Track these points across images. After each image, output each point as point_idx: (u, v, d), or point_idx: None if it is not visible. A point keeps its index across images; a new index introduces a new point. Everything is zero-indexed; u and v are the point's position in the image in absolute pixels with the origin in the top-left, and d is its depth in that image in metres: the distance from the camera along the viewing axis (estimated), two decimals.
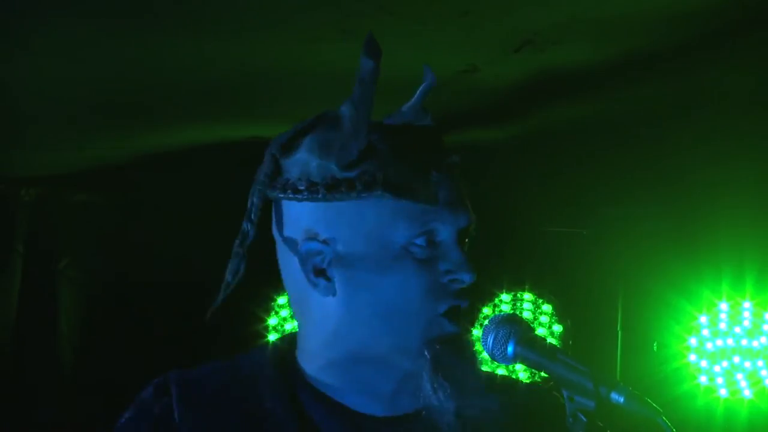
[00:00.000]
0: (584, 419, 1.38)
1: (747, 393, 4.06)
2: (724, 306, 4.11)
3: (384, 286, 1.51)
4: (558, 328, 4.44)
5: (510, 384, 1.71)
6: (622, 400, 1.36)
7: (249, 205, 1.58)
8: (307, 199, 1.53)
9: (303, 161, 1.54)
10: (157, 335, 4.57)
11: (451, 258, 1.53)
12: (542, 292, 4.49)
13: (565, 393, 1.41)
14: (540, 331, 4.36)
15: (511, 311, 4.45)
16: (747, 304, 4.08)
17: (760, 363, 4.04)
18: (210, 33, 2.79)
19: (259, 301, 4.44)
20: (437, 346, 1.51)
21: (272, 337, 4.39)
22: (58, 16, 2.65)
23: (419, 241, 1.51)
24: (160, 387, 1.58)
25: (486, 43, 2.83)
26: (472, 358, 1.55)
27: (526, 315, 4.44)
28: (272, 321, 4.45)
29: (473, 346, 1.56)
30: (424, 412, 1.54)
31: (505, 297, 4.54)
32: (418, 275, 1.51)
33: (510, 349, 1.48)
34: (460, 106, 3.48)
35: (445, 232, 1.54)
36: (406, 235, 1.51)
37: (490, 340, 1.49)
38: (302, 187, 1.53)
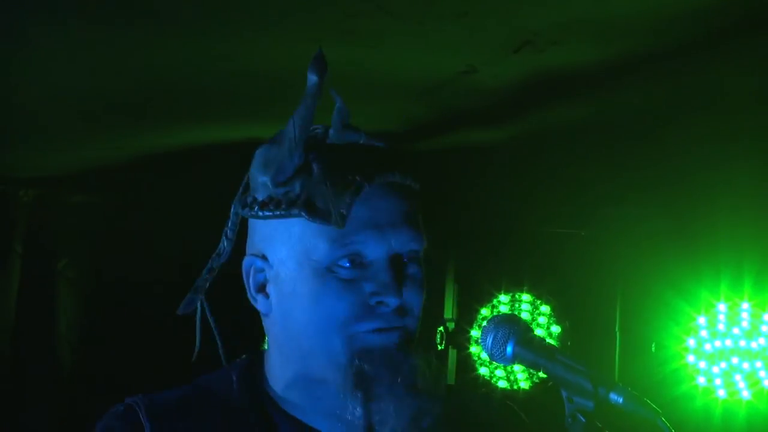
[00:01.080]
0: (583, 420, 1.38)
1: (745, 394, 4.06)
2: (722, 307, 4.11)
3: (309, 305, 1.52)
4: (556, 329, 4.44)
5: (463, 398, 1.69)
6: (620, 400, 1.37)
7: (228, 222, 1.61)
8: (252, 216, 1.56)
9: (253, 176, 1.56)
10: (157, 335, 4.57)
11: (378, 279, 1.51)
12: (541, 293, 4.49)
13: (564, 393, 1.41)
14: (538, 332, 4.37)
15: (510, 312, 4.46)
16: (745, 305, 4.08)
17: (758, 364, 4.04)
18: (210, 33, 2.79)
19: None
20: (358, 360, 1.50)
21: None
22: (59, 17, 2.65)
23: (343, 262, 1.51)
24: (129, 416, 1.56)
25: (485, 43, 2.83)
26: (401, 372, 1.52)
27: (525, 316, 4.44)
28: None
29: (411, 363, 1.52)
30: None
31: (504, 298, 4.54)
32: (340, 296, 1.51)
33: (509, 349, 1.48)
34: (460, 106, 3.49)
35: (374, 254, 1.52)
36: (329, 256, 1.51)
37: (489, 340, 1.49)
38: (248, 202, 1.56)
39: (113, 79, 3.25)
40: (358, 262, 1.51)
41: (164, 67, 3.09)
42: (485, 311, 4.53)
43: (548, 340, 4.35)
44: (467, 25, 2.68)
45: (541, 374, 1.48)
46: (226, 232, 1.60)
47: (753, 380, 4.06)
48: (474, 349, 4.52)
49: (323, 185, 1.50)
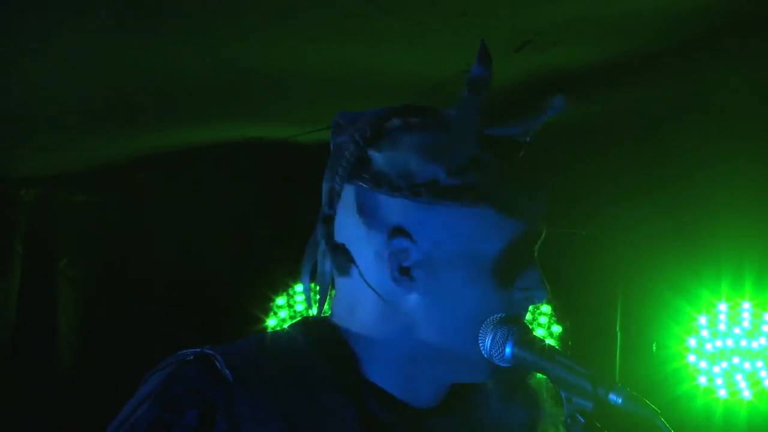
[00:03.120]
0: (582, 420, 1.38)
1: (746, 394, 4.05)
2: (723, 307, 4.11)
3: (467, 297, 1.50)
4: (557, 329, 4.44)
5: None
6: (620, 401, 1.36)
7: (328, 190, 1.54)
8: (404, 197, 1.50)
9: (402, 159, 1.50)
10: (157, 335, 4.57)
11: (529, 275, 1.53)
12: None
13: (563, 394, 1.41)
14: (539, 332, 4.36)
15: None
16: (746, 305, 4.08)
17: (759, 364, 4.04)
18: (210, 33, 2.79)
19: (259, 301, 4.44)
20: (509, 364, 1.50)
21: None
22: (60, 18, 2.65)
23: (507, 255, 1.51)
24: (206, 364, 1.45)
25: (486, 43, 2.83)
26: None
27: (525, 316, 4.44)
28: (271, 322, 4.45)
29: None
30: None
31: None
32: (500, 290, 1.50)
33: (508, 350, 1.47)
34: None
35: (529, 246, 1.53)
36: (497, 249, 1.50)
37: (488, 341, 1.49)
38: (402, 185, 1.49)
39: (113, 79, 3.25)
40: (516, 253, 1.51)
41: (165, 67, 3.09)
42: None
43: (549, 340, 4.35)
44: (467, 25, 2.68)
45: (542, 375, 1.48)
46: (331, 201, 1.53)
47: (754, 380, 4.06)
48: None
49: (508, 180, 1.51)
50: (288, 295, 4.44)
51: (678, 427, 1.36)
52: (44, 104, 3.56)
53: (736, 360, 4.07)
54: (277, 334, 1.62)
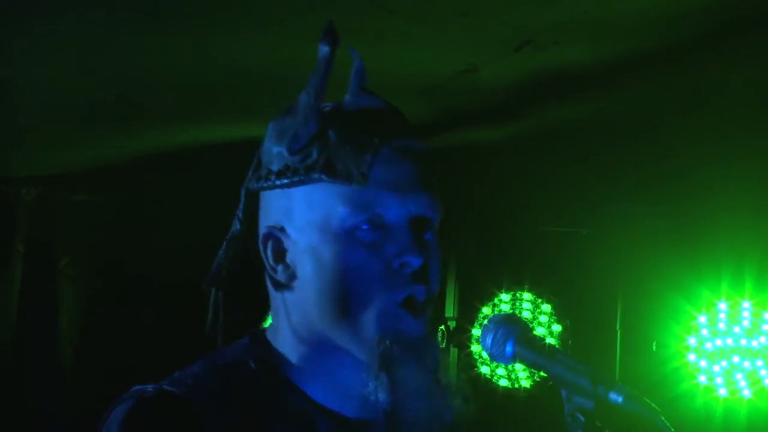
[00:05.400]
0: (582, 419, 1.38)
1: (746, 393, 4.05)
2: (723, 306, 4.11)
3: (333, 272, 1.50)
4: (557, 328, 4.44)
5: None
6: (620, 399, 1.37)
7: (240, 204, 1.63)
8: (267, 188, 1.56)
9: (267, 149, 1.57)
10: (157, 334, 4.58)
11: (398, 241, 1.50)
12: (541, 292, 4.49)
13: (563, 393, 1.41)
14: (539, 331, 4.37)
15: (511, 311, 4.46)
16: (746, 304, 4.08)
17: (759, 363, 4.04)
18: (210, 32, 2.79)
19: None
20: (388, 343, 1.48)
21: None
22: (59, 17, 2.65)
23: (363, 225, 1.50)
24: (173, 406, 1.47)
25: (486, 43, 2.83)
26: (426, 362, 1.50)
27: (526, 315, 4.44)
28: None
29: (434, 351, 1.52)
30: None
31: (505, 297, 4.54)
32: (364, 260, 1.49)
33: (508, 348, 1.48)
34: (461, 105, 3.49)
35: (393, 217, 1.51)
36: (350, 220, 1.49)
37: (489, 339, 1.49)
38: (263, 174, 1.56)
39: (114, 79, 3.25)
40: (378, 224, 1.50)
41: (165, 67, 3.10)
42: (486, 310, 4.53)
43: (549, 338, 4.35)
44: (468, 25, 2.68)
45: (542, 373, 1.48)
46: (238, 213, 1.61)
47: (754, 379, 4.06)
48: (475, 347, 4.52)
49: (342, 147, 1.50)
50: None
51: (678, 426, 1.37)
52: (44, 104, 3.57)
53: (736, 359, 4.07)
54: (227, 359, 1.60)
